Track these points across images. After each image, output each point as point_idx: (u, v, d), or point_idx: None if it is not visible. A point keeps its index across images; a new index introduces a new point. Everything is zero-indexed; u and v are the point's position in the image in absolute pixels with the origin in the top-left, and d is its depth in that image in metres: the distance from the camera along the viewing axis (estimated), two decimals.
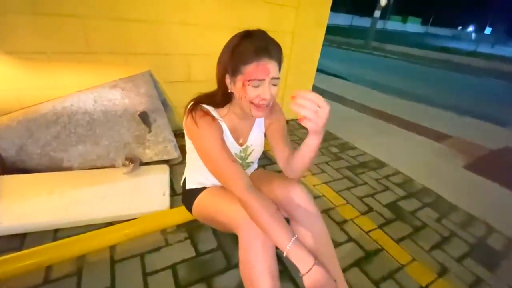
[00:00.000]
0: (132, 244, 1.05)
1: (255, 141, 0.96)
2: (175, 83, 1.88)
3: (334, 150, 2.11)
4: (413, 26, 44.16)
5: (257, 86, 0.71)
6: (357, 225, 1.33)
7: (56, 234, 1.07)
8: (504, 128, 3.25)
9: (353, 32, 19.41)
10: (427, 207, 1.56)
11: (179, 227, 1.16)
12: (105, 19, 1.51)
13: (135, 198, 1.24)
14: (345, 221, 1.35)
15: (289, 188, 0.85)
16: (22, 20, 1.33)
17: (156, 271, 0.97)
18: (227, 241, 1.13)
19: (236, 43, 0.71)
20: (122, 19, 1.56)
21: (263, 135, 0.97)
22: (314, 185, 1.61)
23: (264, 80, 0.70)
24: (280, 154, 0.92)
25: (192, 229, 1.16)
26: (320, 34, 2.41)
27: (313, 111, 0.61)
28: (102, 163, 1.47)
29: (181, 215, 1.11)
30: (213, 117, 0.79)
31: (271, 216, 0.69)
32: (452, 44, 20.62)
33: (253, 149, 0.97)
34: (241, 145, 0.92)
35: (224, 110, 0.84)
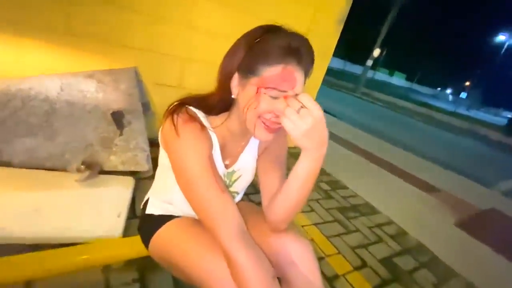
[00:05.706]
0: (58, 281, 0.76)
1: (245, 166, 0.74)
2: (163, 87, 1.67)
3: (325, 187, 1.93)
4: (398, 80, 47.62)
5: (275, 98, 0.53)
6: (349, 283, 1.11)
7: None
8: (488, 189, 3.26)
9: (345, 76, 20.49)
10: (424, 268, 1.37)
11: (129, 263, 0.88)
12: (96, 0, 1.33)
13: (80, 216, 0.96)
14: (336, 276, 1.12)
15: (286, 238, 0.63)
16: None
17: None
18: None
19: (258, 36, 0.54)
20: (115, 5, 1.37)
21: (255, 160, 0.76)
22: (302, 226, 1.39)
23: (286, 92, 0.52)
24: (267, 187, 0.68)
25: (145, 268, 0.89)
26: (323, 66, 2.34)
27: (295, 109, 0.49)
28: (52, 164, 1.19)
29: (134, 247, 0.83)
30: (202, 125, 0.58)
31: (267, 285, 0.46)
32: (432, 102, 22.22)
33: (240, 175, 0.75)
34: (227, 167, 0.70)
35: (218, 119, 0.63)
